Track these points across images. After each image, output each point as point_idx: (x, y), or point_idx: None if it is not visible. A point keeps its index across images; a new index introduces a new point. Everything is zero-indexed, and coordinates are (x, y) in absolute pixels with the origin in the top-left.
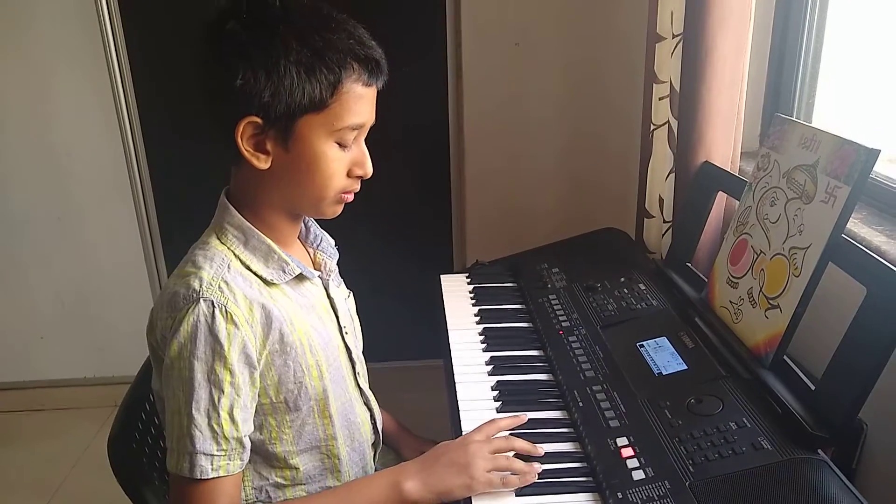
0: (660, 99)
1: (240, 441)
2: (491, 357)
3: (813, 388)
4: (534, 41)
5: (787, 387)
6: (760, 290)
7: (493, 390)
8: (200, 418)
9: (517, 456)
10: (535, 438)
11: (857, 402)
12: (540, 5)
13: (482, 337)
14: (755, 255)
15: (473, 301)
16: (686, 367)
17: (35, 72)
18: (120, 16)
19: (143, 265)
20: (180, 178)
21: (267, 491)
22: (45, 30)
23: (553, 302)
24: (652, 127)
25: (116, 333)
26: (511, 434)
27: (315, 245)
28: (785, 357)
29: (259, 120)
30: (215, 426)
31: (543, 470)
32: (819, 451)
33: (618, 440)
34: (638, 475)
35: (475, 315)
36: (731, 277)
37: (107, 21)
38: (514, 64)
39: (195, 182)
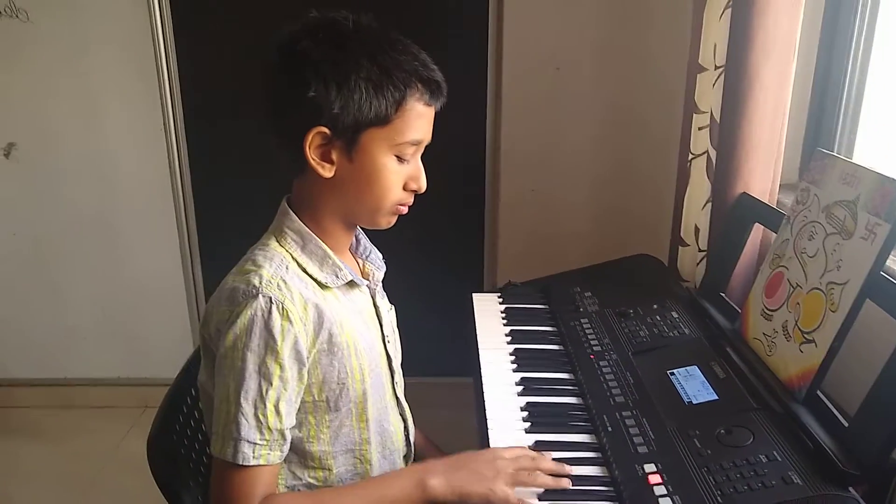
0: (699, 129)
1: (282, 433)
2: (521, 378)
3: (846, 424)
4: (573, 67)
5: (819, 422)
6: (796, 324)
7: (522, 411)
8: (248, 407)
9: None
10: (563, 461)
11: (891, 441)
12: (580, 32)
13: (513, 357)
14: (791, 289)
15: (505, 321)
16: (717, 397)
17: (84, 82)
18: (172, 28)
19: (180, 273)
20: (220, 189)
21: (299, 491)
22: (97, 41)
23: (585, 326)
24: (690, 156)
25: (151, 336)
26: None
27: (364, 256)
28: (818, 392)
29: (327, 130)
30: (260, 416)
31: (570, 493)
32: (850, 488)
33: (645, 466)
34: (665, 502)
35: (506, 335)
36: (765, 309)
37: (159, 33)
38: (553, 88)
39: (234, 193)
